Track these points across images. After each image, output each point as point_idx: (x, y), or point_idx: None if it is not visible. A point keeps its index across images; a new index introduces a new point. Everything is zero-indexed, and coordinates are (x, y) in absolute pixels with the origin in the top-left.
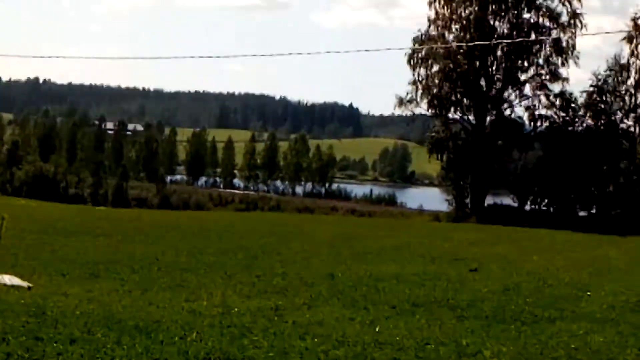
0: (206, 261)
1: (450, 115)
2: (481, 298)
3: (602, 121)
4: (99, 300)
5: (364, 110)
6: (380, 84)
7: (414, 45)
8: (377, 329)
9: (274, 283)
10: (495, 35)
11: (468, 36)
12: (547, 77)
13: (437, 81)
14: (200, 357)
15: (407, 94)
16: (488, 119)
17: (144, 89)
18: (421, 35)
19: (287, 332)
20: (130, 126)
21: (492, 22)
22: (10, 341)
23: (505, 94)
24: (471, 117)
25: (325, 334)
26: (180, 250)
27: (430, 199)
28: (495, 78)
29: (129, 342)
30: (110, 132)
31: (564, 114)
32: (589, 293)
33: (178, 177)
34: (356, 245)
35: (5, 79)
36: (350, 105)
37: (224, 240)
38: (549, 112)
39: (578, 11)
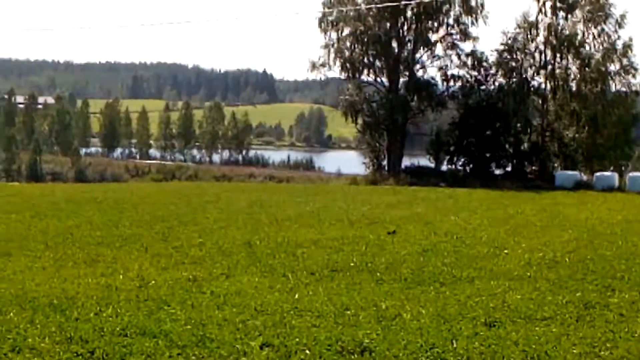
0: (122, 234)
1: (363, 78)
2: (400, 260)
3: (514, 79)
4: (11, 279)
5: (278, 75)
6: (294, 48)
7: (324, 8)
8: (296, 297)
9: (191, 254)
10: None
11: None
12: (458, 36)
13: (348, 44)
14: (115, 333)
15: (320, 58)
16: (401, 80)
17: (53, 60)
18: None
19: (205, 303)
20: (41, 99)
21: None
22: None
23: (417, 55)
24: (384, 79)
25: (243, 303)
26: (95, 224)
27: (348, 162)
28: (407, 39)
29: (42, 320)
30: (20, 105)
31: (475, 73)
32: (506, 251)
33: (93, 149)
34: (274, 212)
35: None
36: (264, 71)
37: (140, 212)
38: (461, 72)
39: None
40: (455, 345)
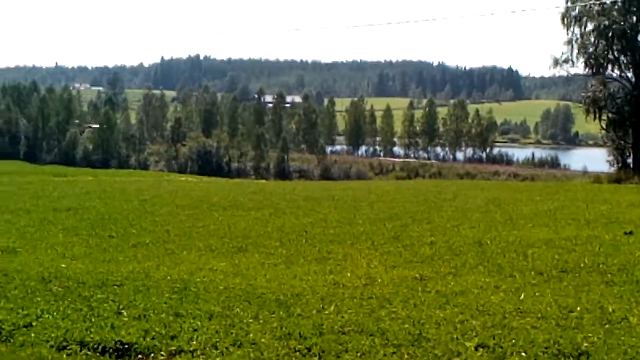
0: (354, 232)
1: (608, 74)
2: (634, 262)
3: None
4: (244, 275)
5: (523, 72)
6: (540, 44)
7: (567, 3)
8: (521, 297)
9: (420, 252)
10: None
11: None
12: None
13: (592, 39)
14: (334, 330)
15: (562, 54)
16: None
17: (301, 60)
18: None
19: (428, 302)
20: (289, 98)
21: None
22: (150, 318)
23: None
24: (630, 75)
25: (466, 303)
26: (330, 221)
27: (595, 160)
28: None
29: (266, 316)
30: (269, 105)
31: None
32: None
33: (338, 147)
34: (509, 211)
35: (167, 57)
36: (510, 67)
37: (375, 210)
38: None
39: None
40: None
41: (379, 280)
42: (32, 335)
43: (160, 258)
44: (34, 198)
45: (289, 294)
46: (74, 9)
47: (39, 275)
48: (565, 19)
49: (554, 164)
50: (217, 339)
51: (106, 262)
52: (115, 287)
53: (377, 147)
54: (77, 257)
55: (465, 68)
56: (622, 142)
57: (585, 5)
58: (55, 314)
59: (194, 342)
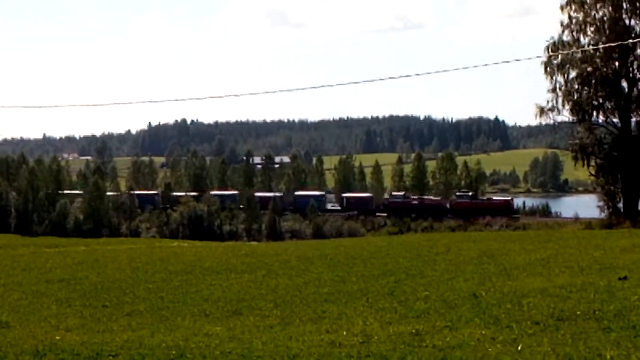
0: (348, 290)
1: (594, 120)
2: (629, 308)
3: None
4: (240, 338)
5: (510, 122)
6: (525, 94)
7: (548, 52)
8: (519, 348)
9: (415, 307)
10: (633, 35)
11: (604, 38)
12: None
13: (576, 87)
14: None
15: (548, 102)
16: (633, 120)
17: (288, 120)
18: (555, 42)
19: (425, 357)
20: (277, 159)
21: (627, 22)
22: None
23: None
24: (615, 120)
25: (464, 356)
26: (323, 280)
27: (585, 206)
28: (637, 78)
29: None
30: (258, 166)
31: None
32: None
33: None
34: (503, 261)
35: (154, 123)
36: (496, 118)
37: (368, 267)
38: None
39: None
40: None
41: (375, 338)
42: None
43: (155, 325)
44: (26, 271)
45: (285, 356)
46: (58, 79)
47: (33, 349)
48: (548, 68)
49: (545, 212)
50: None
51: (101, 332)
52: (111, 357)
53: None
54: (71, 329)
55: (452, 120)
56: (612, 187)
57: (567, 54)
58: None
59: None
